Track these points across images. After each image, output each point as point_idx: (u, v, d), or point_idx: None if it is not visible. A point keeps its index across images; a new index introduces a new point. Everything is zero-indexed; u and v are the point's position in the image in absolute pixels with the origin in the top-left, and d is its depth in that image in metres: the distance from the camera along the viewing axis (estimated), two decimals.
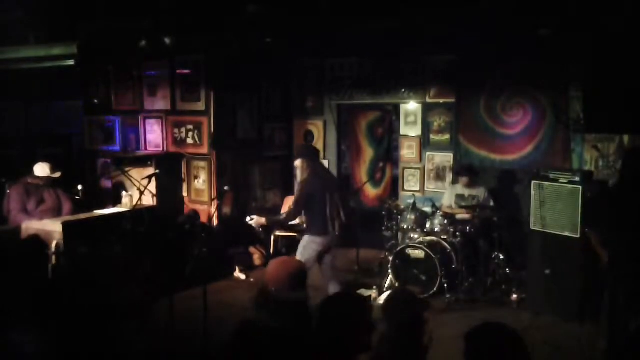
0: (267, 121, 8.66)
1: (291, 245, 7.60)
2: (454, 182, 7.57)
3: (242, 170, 8.09)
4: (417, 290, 6.32)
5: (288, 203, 8.15)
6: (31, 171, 6.43)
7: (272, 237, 8.02)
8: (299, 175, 5.52)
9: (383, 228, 7.33)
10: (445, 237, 6.69)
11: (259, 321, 2.84)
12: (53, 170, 6.44)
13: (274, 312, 2.87)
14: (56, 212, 6.41)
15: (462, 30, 6.68)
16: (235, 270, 7.34)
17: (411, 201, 7.19)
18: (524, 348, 2.40)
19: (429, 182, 8.25)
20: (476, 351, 2.41)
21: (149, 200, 6.92)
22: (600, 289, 4.65)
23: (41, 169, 6.40)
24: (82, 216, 6.38)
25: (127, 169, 7.08)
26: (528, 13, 5.98)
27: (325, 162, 8.89)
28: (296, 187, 5.42)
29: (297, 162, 5.53)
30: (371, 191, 8.95)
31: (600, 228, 4.63)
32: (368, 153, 8.96)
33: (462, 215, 6.97)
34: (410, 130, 8.34)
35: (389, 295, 3.36)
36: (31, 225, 5.95)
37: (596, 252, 4.64)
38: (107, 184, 8.05)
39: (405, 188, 8.42)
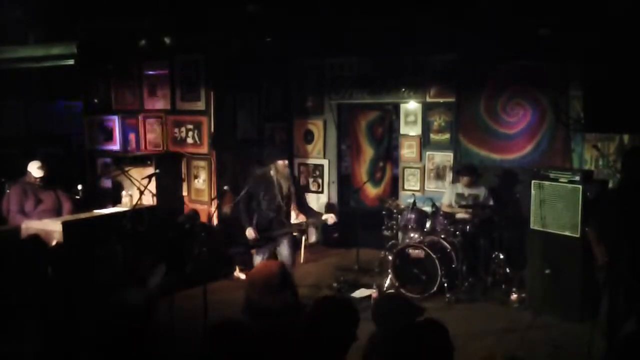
0: (267, 121, 8.67)
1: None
2: (454, 181, 7.57)
3: (242, 170, 8.08)
4: (415, 290, 6.35)
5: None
6: (28, 172, 6.42)
7: None
8: None
9: (383, 227, 7.34)
10: (445, 236, 6.69)
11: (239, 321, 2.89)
12: (41, 167, 6.40)
13: (256, 317, 3.09)
14: (56, 212, 6.41)
15: (462, 30, 6.68)
16: (235, 269, 7.34)
17: (411, 200, 7.20)
18: (447, 341, 2.52)
19: (429, 182, 8.25)
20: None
21: (148, 200, 6.92)
22: (600, 288, 4.65)
23: (32, 166, 6.38)
24: (82, 216, 6.38)
25: (126, 169, 7.08)
26: (528, 13, 5.97)
27: (326, 162, 8.93)
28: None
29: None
30: (371, 190, 8.96)
31: (599, 227, 4.63)
32: (368, 152, 8.96)
33: (462, 214, 6.97)
34: (410, 129, 8.34)
35: (379, 300, 3.37)
36: (31, 225, 5.95)
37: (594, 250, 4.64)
38: (106, 183, 8.05)
39: (405, 187, 8.42)
